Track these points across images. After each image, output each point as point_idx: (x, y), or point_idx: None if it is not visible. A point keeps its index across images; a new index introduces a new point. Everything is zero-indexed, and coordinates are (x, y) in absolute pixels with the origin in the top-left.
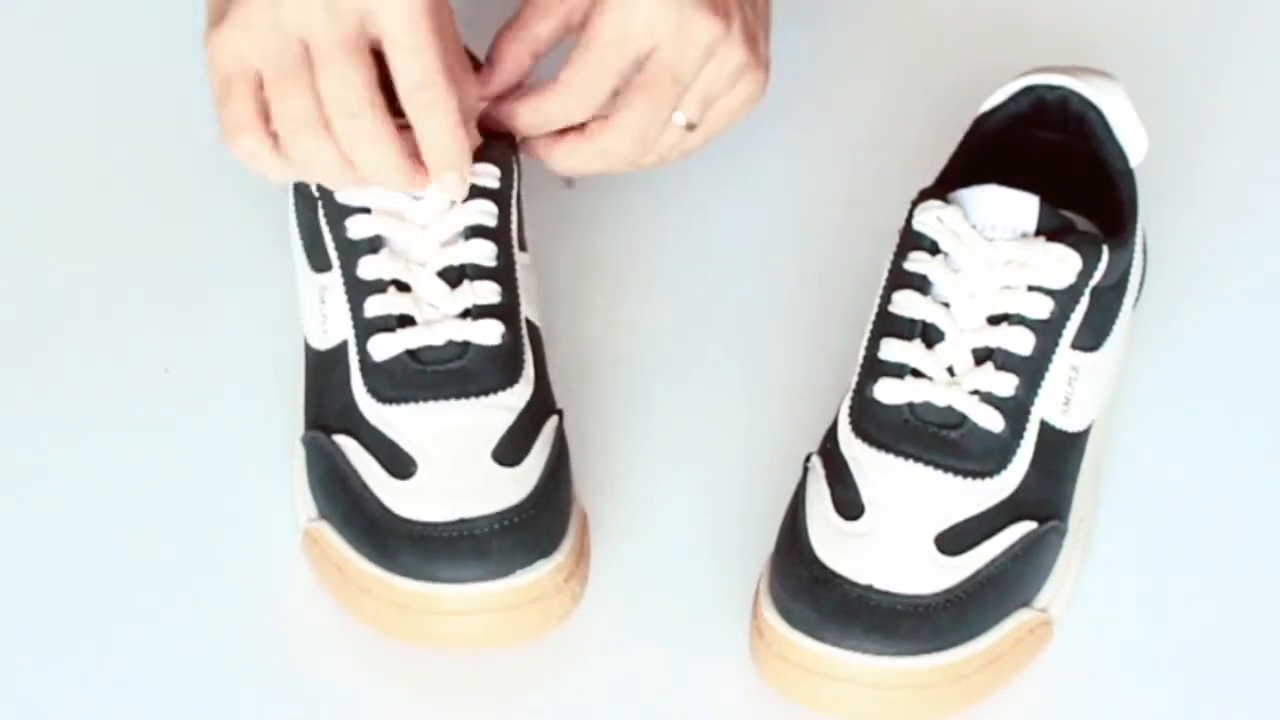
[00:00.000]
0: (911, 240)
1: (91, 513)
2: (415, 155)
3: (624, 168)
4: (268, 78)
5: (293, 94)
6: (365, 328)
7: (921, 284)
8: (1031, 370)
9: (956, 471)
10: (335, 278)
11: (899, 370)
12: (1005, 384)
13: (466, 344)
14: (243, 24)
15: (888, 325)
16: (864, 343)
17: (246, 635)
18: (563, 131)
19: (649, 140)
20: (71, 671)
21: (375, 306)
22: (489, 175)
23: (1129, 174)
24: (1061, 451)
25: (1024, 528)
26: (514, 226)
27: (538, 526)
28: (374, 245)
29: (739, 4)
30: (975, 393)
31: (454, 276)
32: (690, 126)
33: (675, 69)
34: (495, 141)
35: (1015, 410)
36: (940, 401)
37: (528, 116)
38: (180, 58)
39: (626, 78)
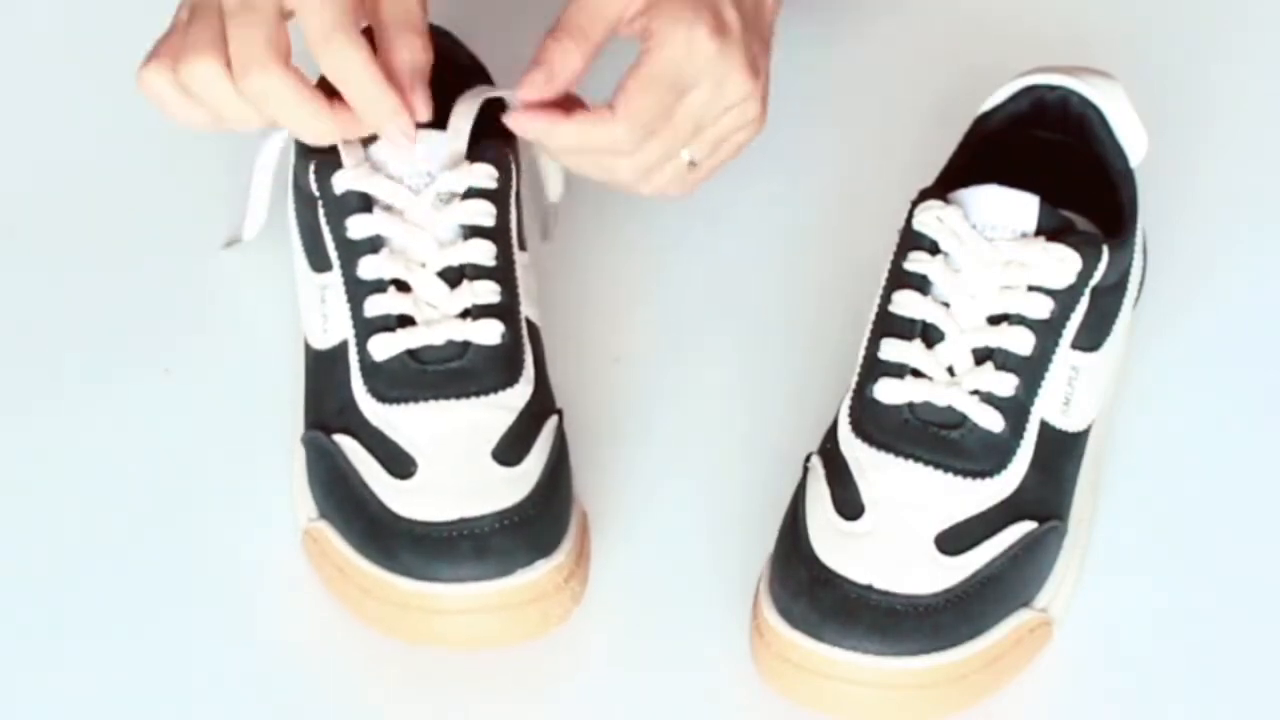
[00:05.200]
0: (911, 240)
1: (91, 513)
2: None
3: (617, 188)
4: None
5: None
6: (365, 327)
7: (921, 284)
8: (1031, 370)
9: (956, 471)
10: (335, 277)
11: (899, 370)
12: (1005, 384)
13: (466, 344)
14: None
15: (888, 325)
16: (864, 343)
17: (246, 635)
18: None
19: (651, 175)
20: (71, 671)
21: (375, 306)
22: (487, 176)
23: (1129, 174)
24: (1061, 451)
25: (1024, 528)
26: (513, 226)
27: (538, 526)
28: (374, 245)
29: (766, 59)
30: (975, 393)
31: (453, 276)
32: (693, 164)
33: (700, 119)
34: (492, 142)
35: (1015, 410)
36: (940, 401)
37: (569, 138)
38: None
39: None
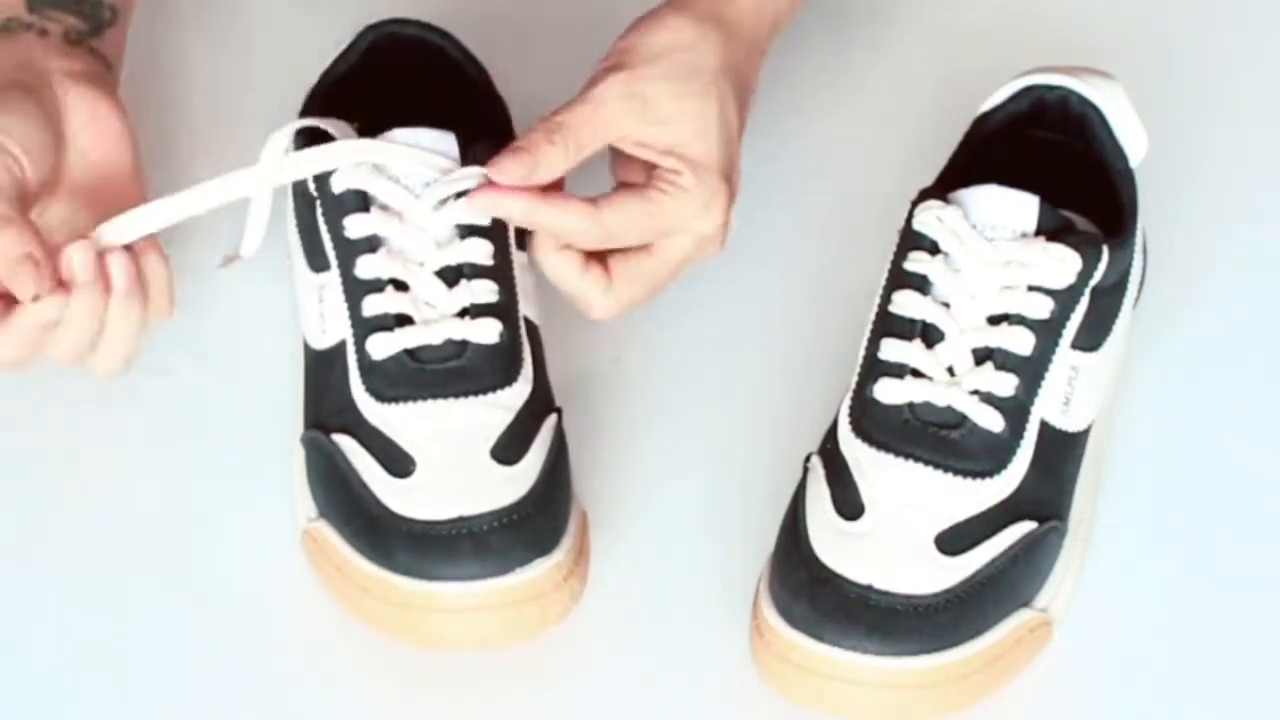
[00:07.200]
0: (911, 240)
1: (91, 513)
2: None
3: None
4: None
5: None
6: (364, 327)
7: (921, 284)
8: (1031, 370)
9: (956, 471)
10: (333, 277)
11: (899, 370)
12: (1005, 384)
13: (465, 343)
14: None
15: (888, 325)
16: (864, 343)
17: (246, 635)
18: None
19: (628, 308)
20: (71, 671)
21: (373, 306)
22: (482, 177)
23: (1129, 174)
24: (1061, 451)
25: (1024, 528)
26: (510, 226)
27: (537, 524)
28: (372, 244)
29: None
30: (975, 393)
31: (451, 276)
32: None
33: (688, 265)
34: (488, 144)
35: (1015, 410)
36: (940, 401)
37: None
38: (176, 56)
39: None
